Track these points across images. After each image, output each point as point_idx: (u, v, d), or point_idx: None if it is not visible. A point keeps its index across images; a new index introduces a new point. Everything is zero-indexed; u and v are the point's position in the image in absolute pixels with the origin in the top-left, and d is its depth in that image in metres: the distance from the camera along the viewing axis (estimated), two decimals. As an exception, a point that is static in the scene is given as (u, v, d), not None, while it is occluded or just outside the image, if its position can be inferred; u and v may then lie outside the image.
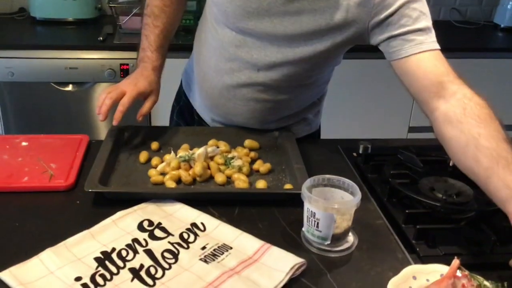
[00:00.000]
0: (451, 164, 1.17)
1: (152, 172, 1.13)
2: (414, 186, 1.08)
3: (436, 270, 0.85)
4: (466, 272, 0.82)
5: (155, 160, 1.17)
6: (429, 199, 1.03)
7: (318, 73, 1.23)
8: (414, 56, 1.01)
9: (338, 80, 2.52)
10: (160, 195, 1.04)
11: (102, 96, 1.17)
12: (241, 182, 1.11)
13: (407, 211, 1.00)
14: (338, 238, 0.93)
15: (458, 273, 0.81)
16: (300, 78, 1.19)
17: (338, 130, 2.63)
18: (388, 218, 1.04)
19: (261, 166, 1.18)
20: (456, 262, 0.83)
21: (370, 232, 1.00)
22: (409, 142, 1.39)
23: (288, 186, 1.11)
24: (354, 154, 1.29)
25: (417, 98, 1.04)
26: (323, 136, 1.55)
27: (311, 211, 0.91)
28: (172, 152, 1.18)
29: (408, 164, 1.16)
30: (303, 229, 0.96)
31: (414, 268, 0.85)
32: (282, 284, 0.83)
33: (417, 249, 0.93)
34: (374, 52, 2.49)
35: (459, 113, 0.93)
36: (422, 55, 1.01)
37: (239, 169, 1.15)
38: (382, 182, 1.13)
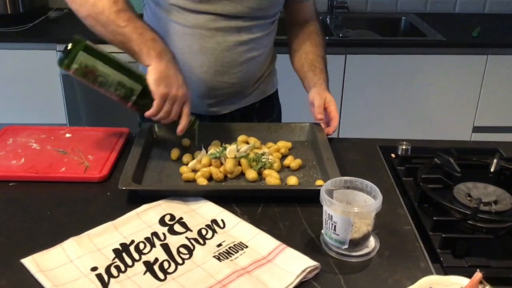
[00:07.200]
0: (492, 169, 1.11)
1: (183, 169, 1.14)
2: (448, 192, 1.03)
3: (456, 283, 0.80)
4: (487, 287, 0.77)
5: (186, 157, 1.18)
6: (460, 206, 0.97)
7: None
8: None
9: (397, 76, 2.47)
10: (192, 193, 1.06)
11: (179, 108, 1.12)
12: (272, 178, 1.10)
13: (434, 218, 0.95)
14: (357, 242, 0.90)
15: (479, 287, 0.77)
16: (270, 13, 1.34)
17: (395, 130, 2.56)
18: (417, 225, 0.99)
19: (292, 162, 1.17)
20: (477, 275, 0.78)
21: (396, 238, 0.96)
22: (455, 144, 1.31)
23: (319, 182, 1.09)
24: (393, 155, 1.25)
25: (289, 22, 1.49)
26: (379, 134, 1.51)
27: (329, 213, 0.89)
28: (203, 148, 1.20)
29: (445, 168, 1.11)
30: (322, 231, 0.94)
31: (431, 279, 0.81)
32: (291, 287, 0.82)
33: (441, 259, 0.88)
34: (436, 47, 2.42)
35: (305, 37, 1.44)
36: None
37: (270, 166, 1.14)
38: (416, 186, 1.08)
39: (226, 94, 1.38)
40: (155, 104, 1.10)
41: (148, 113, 1.12)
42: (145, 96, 1.11)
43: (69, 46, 1.08)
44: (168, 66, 1.11)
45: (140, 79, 1.11)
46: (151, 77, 1.10)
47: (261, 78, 1.44)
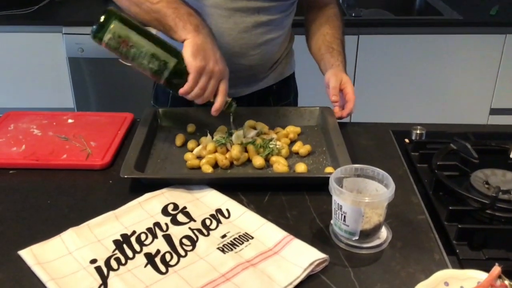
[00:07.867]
0: (511, 155, 1.05)
1: (188, 156, 1.10)
2: (464, 179, 0.98)
3: (473, 277, 0.76)
4: (506, 282, 0.72)
5: (191, 143, 1.14)
6: (478, 194, 0.92)
7: None
8: None
9: (411, 57, 2.40)
10: (196, 181, 1.02)
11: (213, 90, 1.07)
12: (280, 165, 1.06)
13: (450, 207, 0.90)
14: (368, 233, 0.85)
15: (497, 282, 0.72)
16: None
17: (410, 113, 2.50)
18: (432, 214, 0.94)
19: (301, 148, 1.12)
20: (496, 269, 0.74)
21: (409, 228, 0.91)
22: (472, 128, 1.26)
23: (329, 169, 1.04)
24: (406, 140, 1.20)
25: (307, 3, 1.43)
26: (392, 118, 1.45)
27: (338, 203, 0.84)
28: (209, 134, 1.15)
29: (461, 154, 1.06)
30: (331, 221, 0.90)
31: (447, 273, 0.77)
32: (298, 281, 0.78)
33: (457, 251, 0.84)
34: (452, 26, 2.35)
35: (323, 20, 1.38)
36: None
37: (278, 152, 1.10)
38: (430, 173, 1.03)
39: (243, 77, 1.33)
40: (190, 78, 1.05)
41: (182, 90, 1.07)
42: (180, 72, 1.06)
43: (102, 18, 1.03)
44: (206, 40, 1.06)
45: (175, 53, 1.07)
46: (187, 50, 1.05)
47: (279, 60, 1.40)
